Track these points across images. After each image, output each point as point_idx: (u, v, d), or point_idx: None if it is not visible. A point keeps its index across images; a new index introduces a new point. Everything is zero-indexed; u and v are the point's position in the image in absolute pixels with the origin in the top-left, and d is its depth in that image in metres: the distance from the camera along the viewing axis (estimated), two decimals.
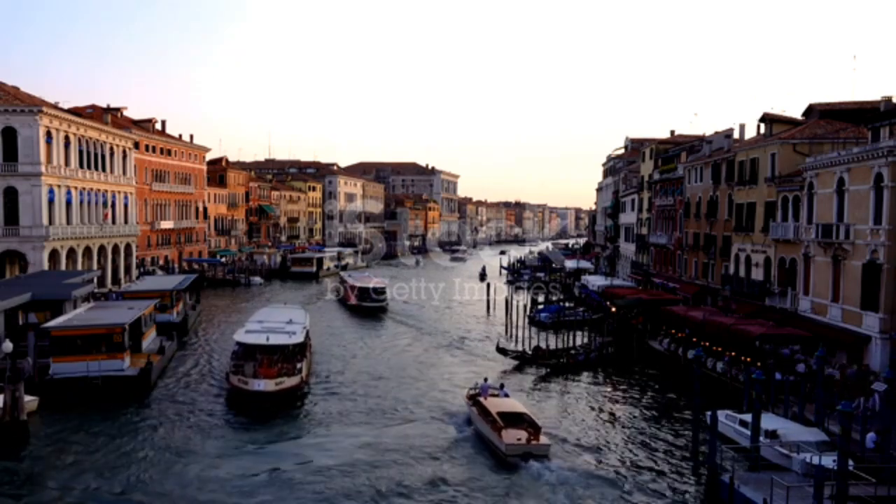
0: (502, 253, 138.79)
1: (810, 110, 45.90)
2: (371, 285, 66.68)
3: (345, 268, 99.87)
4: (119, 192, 68.15)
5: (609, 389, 38.25)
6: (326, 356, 43.87)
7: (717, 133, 54.31)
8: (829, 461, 20.06)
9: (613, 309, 50.41)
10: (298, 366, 34.66)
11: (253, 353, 34.73)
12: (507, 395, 31.26)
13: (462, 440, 28.10)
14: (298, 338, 36.52)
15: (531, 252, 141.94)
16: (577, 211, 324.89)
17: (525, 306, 53.16)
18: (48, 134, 55.12)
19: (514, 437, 25.64)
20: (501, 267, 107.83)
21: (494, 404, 28.29)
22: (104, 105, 75.59)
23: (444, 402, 33.83)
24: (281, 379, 32.43)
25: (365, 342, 49.63)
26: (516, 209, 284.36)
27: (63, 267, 56.18)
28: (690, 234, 54.88)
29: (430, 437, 28.38)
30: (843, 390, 28.79)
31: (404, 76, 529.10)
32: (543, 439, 26.16)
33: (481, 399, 29.49)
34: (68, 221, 58.00)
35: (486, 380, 32.52)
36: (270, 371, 33.01)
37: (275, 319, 40.37)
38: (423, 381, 38.53)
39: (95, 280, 53.98)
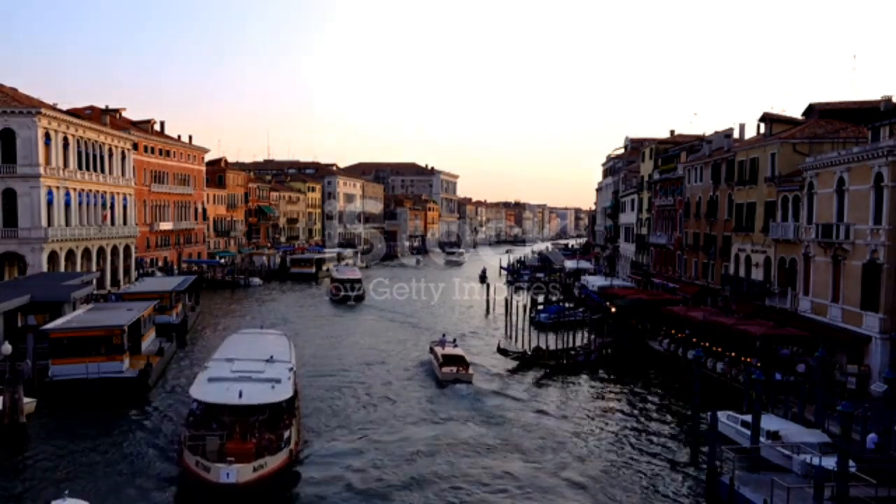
0: (508, 252, 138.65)
1: (810, 110, 45.88)
2: (346, 276, 75.40)
3: None
4: (118, 193, 68.09)
5: (609, 390, 38.20)
6: (323, 371, 40.16)
7: (717, 133, 54.25)
8: (829, 462, 20.02)
9: (613, 309, 50.36)
10: (286, 434, 23.99)
11: (219, 416, 24.46)
12: (456, 346, 42.01)
13: (422, 373, 40.35)
14: (285, 390, 25.35)
15: (533, 252, 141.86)
16: (577, 211, 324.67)
17: (525, 307, 53.11)
18: (47, 135, 55.05)
19: (448, 370, 37.47)
20: (501, 267, 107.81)
21: (444, 351, 39.94)
22: (103, 106, 75.48)
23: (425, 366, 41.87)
24: (261, 460, 21.99)
25: (362, 346, 49.57)
26: (516, 209, 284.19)
27: (62, 268, 56.13)
28: (690, 234, 54.84)
29: (406, 376, 40.03)
30: (842, 391, 28.78)
31: (404, 76, 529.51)
32: (470, 371, 37.79)
33: (437, 348, 40.93)
34: (67, 223, 57.94)
35: (444, 335, 44.96)
36: (245, 447, 22.49)
37: (249, 356, 29.45)
38: (423, 385, 38.57)
39: (94, 282, 53.91)
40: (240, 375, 26.05)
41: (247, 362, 28.11)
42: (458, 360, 38.61)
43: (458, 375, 37.20)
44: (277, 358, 29.14)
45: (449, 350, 40.41)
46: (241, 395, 23.71)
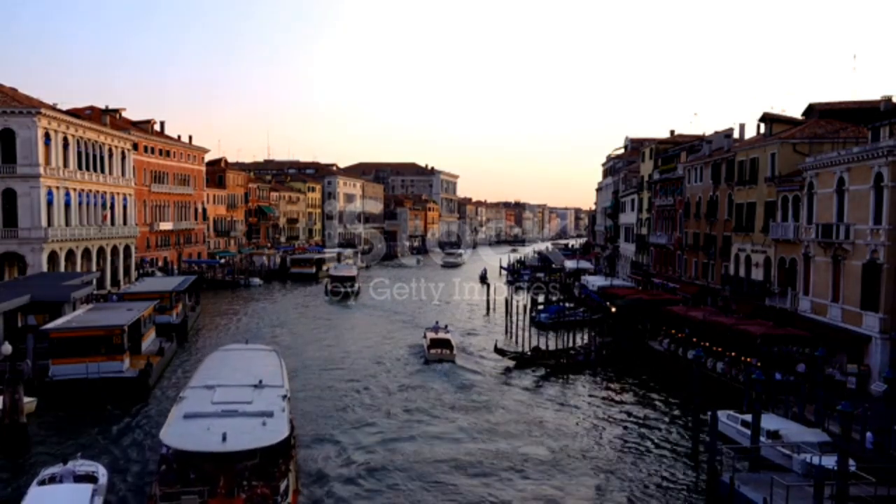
0: (513, 251, 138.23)
1: (810, 110, 45.86)
2: (342, 274, 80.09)
3: None
4: (118, 193, 68.09)
5: (608, 390, 38.17)
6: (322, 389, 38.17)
7: (717, 133, 54.24)
8: (829, 461, 20.02)
9: (613, 309, 50.33)
10: (283, 484, 19.49)
11: (198, 463, 19.30)
12: (447, 332, 46.73)
13: (415, 353, 45.23)
14: (280, 427, 20.29)
15: (533, 252, 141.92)
16: (577, 211, 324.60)
17: (525, 307, 53.10)
18: (47, 135, 55.06)
19: (435, 351, 42.98)
20: (501, 267, 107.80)
21: (434, 335, 45.27)
22: (103, 106, 75.50)
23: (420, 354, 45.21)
24: None
25: (360, 346, 49.55)
26: (516, 209, 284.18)
27: (62, 268, 56.14)
28: (690, 234, 54.83)
29: (403, 355, 45.66)
30: (842, 391, 28.77)
31: (404, 76, 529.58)
32: (454, 353, 43.14)
33: (429, 333, 46.25)
34: (67, 223, 57.94)
35: (436, 322, 50.23)
36: None
37: (234, 381, 24.56)
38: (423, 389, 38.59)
39: (94, 282, 53.91)
40: (223, 409, 21.12)
41: (231, 389, 23.33)
42: (444, 344, 43.89)
43: (442, 356, 42.55)
44: (267, 382, 24.31)
45: (439, 335, 45.49)
46: (225, 439, 18.79)
